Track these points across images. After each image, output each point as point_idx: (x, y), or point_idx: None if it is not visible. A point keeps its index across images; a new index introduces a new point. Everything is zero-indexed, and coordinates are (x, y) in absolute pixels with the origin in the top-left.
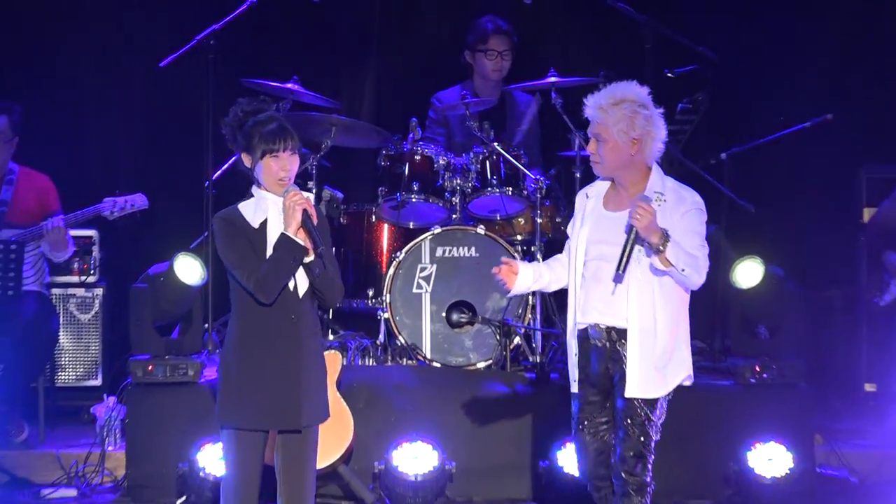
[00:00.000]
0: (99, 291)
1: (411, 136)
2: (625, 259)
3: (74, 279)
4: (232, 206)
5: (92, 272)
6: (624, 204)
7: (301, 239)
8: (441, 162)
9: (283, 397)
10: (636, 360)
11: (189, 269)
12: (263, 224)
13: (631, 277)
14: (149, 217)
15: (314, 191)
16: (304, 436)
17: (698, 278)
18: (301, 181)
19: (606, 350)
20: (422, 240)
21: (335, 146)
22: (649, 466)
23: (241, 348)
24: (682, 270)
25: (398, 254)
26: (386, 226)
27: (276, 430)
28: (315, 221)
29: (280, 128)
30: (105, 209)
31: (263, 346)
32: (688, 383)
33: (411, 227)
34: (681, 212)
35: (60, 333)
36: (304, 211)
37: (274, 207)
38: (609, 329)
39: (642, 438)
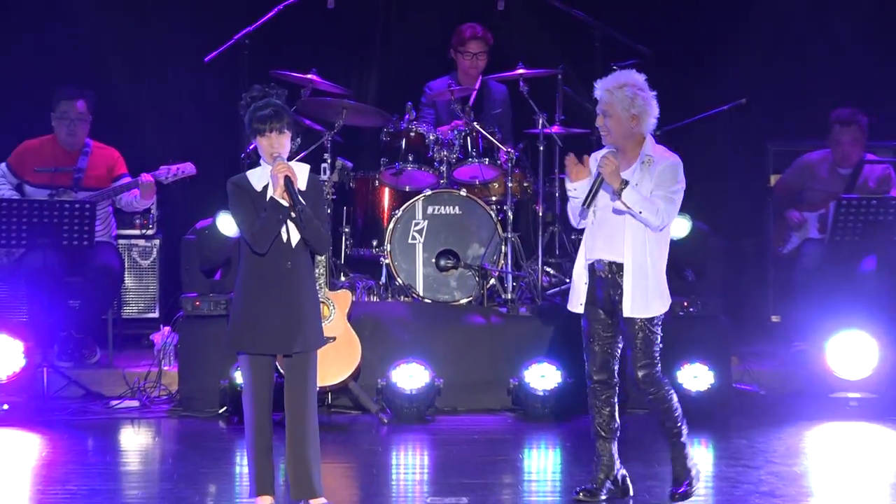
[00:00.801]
0: (156, 242)
1: (407, 116)
2: (590, 196)
3: (136, 232)
4: (242, 173)
5: (151, 226)
6: (625, 166)
7: (285, 200)
8: (431, 137)
9: (279, 328)
10: (630, 287)
11: (227, 224)
12: (265, 188)
13: (626, 223)
14: (196, 182)
15: (328, 161)
16: (302, 359)
17: (655, 220)
18: (317, 154)
19: (609, 280)
20: (416, 200)
21: (346, 125)
22: (657, 373)
23: (246, 288)
24: (640, 213)
25: (397, 211)
26: (387, 189)
27: (274, 354)
28: (296, 186)
29: (269, 112)
30: (161, 175)
31: (263, 287)
32: (665, 309)
33: (407, 190)
34: (659, 169)
35: (125, 276)
36: (287, 177)
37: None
38: (610, 263)
39: (645, 350)
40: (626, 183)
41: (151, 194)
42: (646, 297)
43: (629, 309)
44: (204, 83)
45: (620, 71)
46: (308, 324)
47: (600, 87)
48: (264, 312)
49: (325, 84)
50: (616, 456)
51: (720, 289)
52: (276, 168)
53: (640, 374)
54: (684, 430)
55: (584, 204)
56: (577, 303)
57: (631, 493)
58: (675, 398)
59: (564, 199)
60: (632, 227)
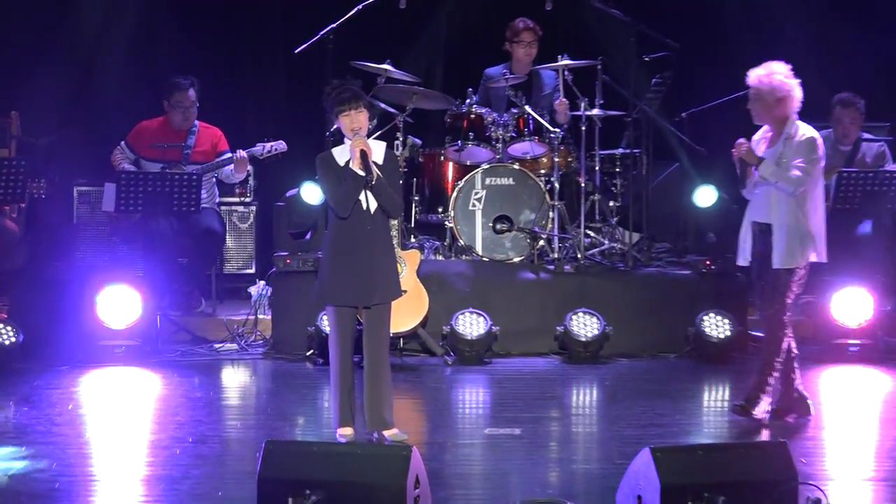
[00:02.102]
0: (253, 208)
1: (468, 100)
2: (739, 173)
3: (236, 200)
4: (329, 150)
5: (248, 195)
6: (772, 142)
7: (361, 171)
8: (489, 119)
9: (360, 282)
10: (777, 243)
11: (311, 193)
12: (347, 163)
13: (771, 190)
14: (287, 157)
15: (401, 139)
16: (379, 310)
17: (789, 186)
18: (391, 133)
19: (762, 237)
20: (475, 172)
21: (416, 108)
22: (785, 316)
23: (332, 249)
24: (776, 182)
25: (459, 182)
26: (451, 163)
27: (356, 305)
28: (370, 158)
29: (349, 94)
30: (257, 151)
31: (347, 248)
32: (814, 258)
33: (468, 164)
34: (796, 144)
35: (227, 237)
36: (362, 151)
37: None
38: (763, 223)
39: (782, 294)
40: (761, 159)
41: (244, 168)
42: (786, 251)
43: (774, 261)
44: (294, 72)
45: (769, 62)
46: (385, 279)
47: (752, 76)
48: (348, 269)
49: (398, 73)
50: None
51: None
52: (354, 143)
53: (767, 312)
54: (774, 372)
55: (740, 182)
56: (742, 258)
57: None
58: (784, 346)
59: (605, 171)
60: (776, 193)
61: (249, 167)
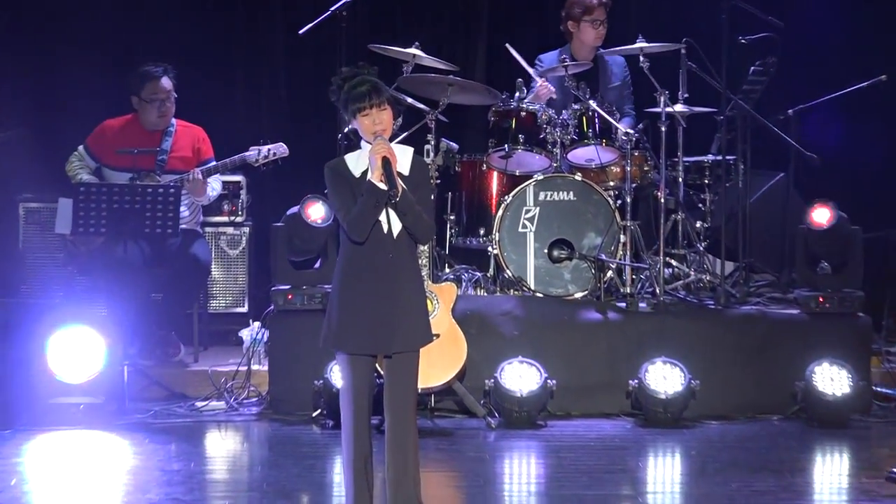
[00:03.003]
0: (246, 230)
1: (517, 94)
2: None
3: (225, 219)
4: (340, 157)
5: (240, 213)
6: None
7: (382, 184)
8: (543, 117)
9: (378, 325)
10: None
11: (318, 211)
12: (364, 174)
13: None
14: (289, 164)
15: (432, 142)
16: (403, 359)
17: None
18: (420, 135)
19: None
20: (526, 185)
21: (451, 104)
22: None
23: (344, 282)
24: None
25: (506, 197)
26: (495, 173)
27: (374, 353)
28: (395, 168)
29: (367, 88)
30: (251, 156)
31: (363, 280)
32: None
33: (517, 174)
34: None
35: (212, 266)
36: (385, 158)
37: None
38: None
39: None
40: None
41: (201, 192)
42: None
43: None
44: (299, 58)
45: None
46: (411, 320)
47: None
48: (364, 308)
49: (429, 59)
50: None
51: (860, 283)
52: (374, 149)
53: None
54: None
55: None
56: None
57: None
58: None
59: (690, 183)
60: None
61: (240, 178)
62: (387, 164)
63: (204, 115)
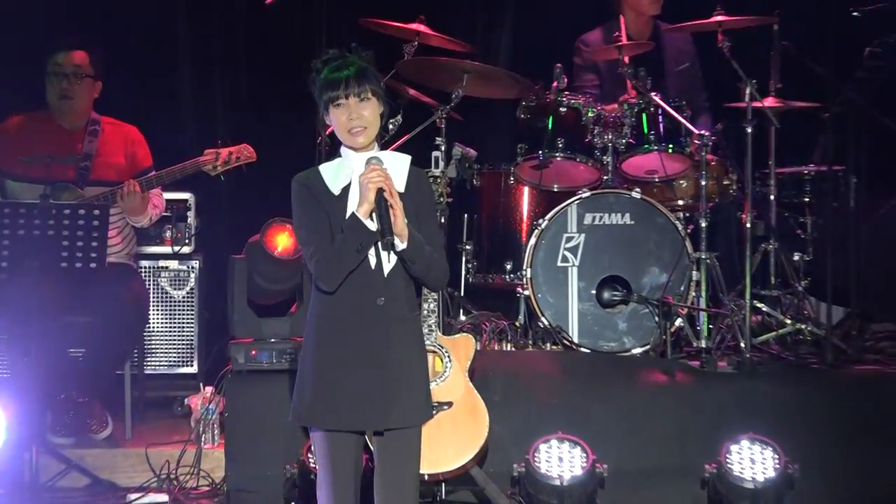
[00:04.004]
0: (194, 264)
1: (556, 84)
2: None
3: (167, 250)
4: (314, 167)
5: (186, 241)
6: None
7: (371, 220)
8: (590, 115)
9: (366, 393)
10: None
11: (282, 239)
12: (346, 189)
13: None
14: (251, 177)
15: (443, 147)
16: (400, 437)
17: None
18: (426, 137)
19: None
20: (568, 205)
21: (467, 96)
22: None
23: (319, 335)
24: None
25: (540, 221)
26: (526, 188)
27: (360, 430)
28: (393, 202)
29: (346, 72)
30: (206, 162)
31: (344, 333)
32: None
33: (555, 189)
34: None
35: (151, 313)
36: (380, 191)
37: (358, 170)
38: None
39: None
40: None
41: (140, 207)
42: None
43: None
44: (265, 37)
45: None
46: (409, 386)
47: None
48: (347, 370)
49: (438, 37)
50: None
51: None
52: (366, 175)
53: None
54: None
55: None
56: None
57: None
58: None
59: (785, 202)
60: None
61: (188, 196)
62: (382, 199)
63: (147, 112)
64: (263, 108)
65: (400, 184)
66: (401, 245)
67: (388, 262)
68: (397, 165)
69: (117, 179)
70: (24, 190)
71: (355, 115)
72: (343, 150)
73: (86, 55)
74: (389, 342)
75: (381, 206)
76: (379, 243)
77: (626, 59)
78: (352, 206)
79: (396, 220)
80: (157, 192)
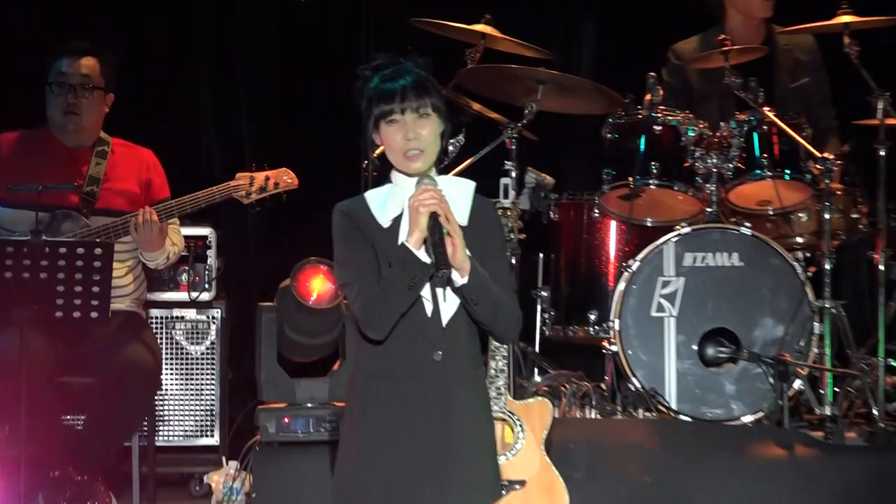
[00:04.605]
0: (216, 313)
1: (649, 97)
2: None
3: (183, 296)
4: (359, 195)
5: (206, 286)
6: None
7: (425, 250)
8: (691, 134)
9: (420, 471)
10: None
11: (318, 283)
12: (397, 221)
13: None
14: (286, 208)
15: (513, 174)
16: None
17: None
18: (494, 161)
19: None
20: (664, 243)
21: (543, 112)
22: None
23: (365, 398)
24: None
25: (631, 262)
26: (613, 223)
27: None
28: (450, 228)
29: (402, 82)
30: (240, 188)
31: (395, 396)
32: None
33: (649, 224)
34: None
35: (164, 372)
36: (433, 215)
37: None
38: None
39: None
40: None
41: (155, 245)
42: None
43: None
44: (300, 41)
45: None
46: (473, 460)
47: None
48: (397, 441)
49: (508, 41)
50: None
51: None
52: (418, 196)
53: None
54: None
55: None
56: None
57: None
58: None
59: None
60: None
61: (207, 231)
62: (436, 224)
63: (149, 128)
64: (297, 125)
65: (462, 215)
66: (460, 280)
67: (447, 307)
68: (459, 193)
69: (129, 209)
70: (15, 220)
71: (412, 135)
72: (394, 175)
73: (96, 63)
74: (450, 406)
75: (435, 234)
76: (433, 279)
77: (730, 65)
78: (403, 238)
79: (455, 250)
80: (174, 227)
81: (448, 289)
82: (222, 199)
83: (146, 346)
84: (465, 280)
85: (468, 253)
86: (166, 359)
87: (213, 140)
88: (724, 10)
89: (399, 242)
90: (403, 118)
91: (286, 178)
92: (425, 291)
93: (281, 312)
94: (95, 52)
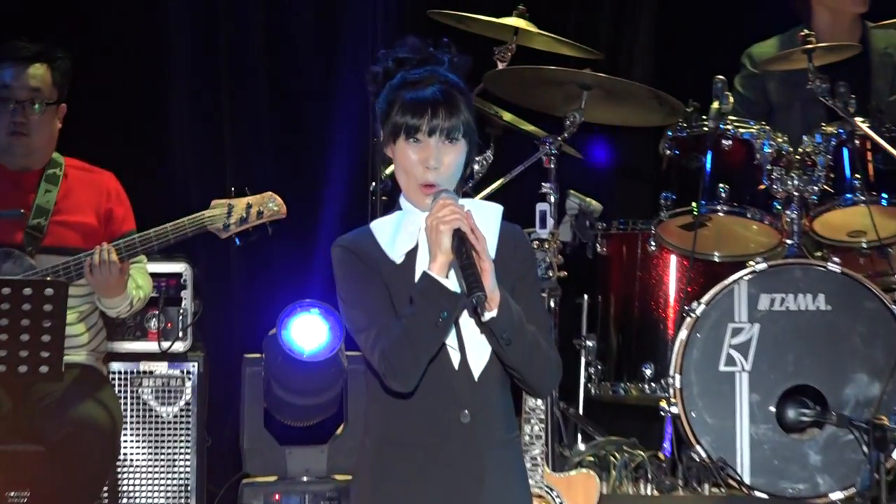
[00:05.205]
0: (192, 368)
1: (717, 105)
2: None
3: (151, 347)
4: (363, 227)
5: (180, 334)
6: None
7: (447, 276)
8: (767, 150)
9: None
10: None
11: (310, 331)
12: (412, 255)
13: None
14: (273, 239)
15: (552, 198)
16: None
17: None
18: (528, 182)
19: None
20: (735, 282)
21: (588, 123)
22: None
23: (378, 469)
24: None
25: (694, 305)
26: (673, 257)
27: None
28: (477, 246)
29: (433, 91)
30: (215, 219)
31: (412, 468)
32: None
33: (716, 259)
34: None
35: (129, 439)
36: (457, 233)
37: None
38: None
39: None
40: None
41: (115, 289)
42: None
43: None
44: (290, 36)
45: None
46: None
47: None
48: None
49: (546, 37)
50: None
51: None
52: (436, 213)
53: None
54: None
55: None
56: None
57: None
58: None
59: None
60: None
61: (182, 268)
62: (461, 243)
63: (107, 148)
64: (287, 139)
65: (489, 244)
66: (488, 314)
67: (478, 356)
68: (484, 220)
69: (83, 246)
70: None
71: (434, 163)
72: (405, 200)
73: (47, 71)
74: (479, 478)
75: (462, 254)
76: (473, 307)
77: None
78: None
79: (484, 271)
80: (139, 265)
81: (470, 332)
82: (195, 232)
83: (103, 407)
84: (493, 313)
85: (496, 283)
86: (132, 422)
87: (188, 161)
88: (809, 7)
89: (423, 272)
90: (428, 140)
91: (272, 205)
92: (451, 339)
93: (269, 366)
94: (46, 58)
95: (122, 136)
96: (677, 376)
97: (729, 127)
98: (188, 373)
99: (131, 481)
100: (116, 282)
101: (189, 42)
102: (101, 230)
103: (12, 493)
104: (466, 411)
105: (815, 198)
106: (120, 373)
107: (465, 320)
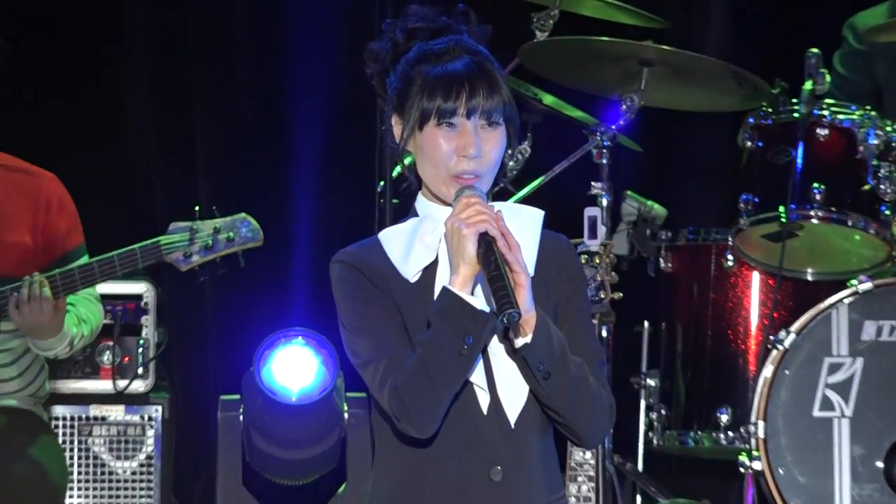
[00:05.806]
0: (154, 412)
1: (810, 85)
2: None
3: (105, 387)
4: (371, 238)
5: (141, 372)
6: None
7: (480, 296)
8: (873, 141)
9: None
10: None
11: (298, 367)
12: (430, 272)
13: None
14: (256, 254)
15: (605, 201)
16: None
17: None
18: (574, 179)
19: None
20: (833, 306)
21: (648, 107)
22: None
23: None
24: None
25: (782, 335)
26: (756, 275)
27: None
28: (510, 257)
29: (464, 64)
30: (173, 248)
31: None
32: None
33: (809, 277)
34: None
35: (79, 499)
36: (485, 237)
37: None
38: None
39: None
40: None
41: (47, 331)
42: None
43: None
44: (268, 10)
45: None
46: None
47: None
48: None
49: (599, 4)
50: None
51: None
52: (459, 214)
53: None
54: None
55: None
56: None
57: None
58: None
59: None
60: None
61: (144, 288)
62: (489, 250)
63: (50, 145)
64: (275, 141)
65: (527, 258)
66: (521, 339)
67: (513, 397)
68: (521, 227)
69: (13, 274)
70: None
71: (473, 150)
72: (423, 203)
73: None
74: None
75: (490, 263)
76: (497, 334)
77: None
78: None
79: (518, 285)
80: (88, 292)
81: (511, 370)
82: (148, 262)
83: (41, 463)
84: (528, 339)
85: (531, 306)
86: (81, 480)
87: (153, 164)
88: None
89: (443, 287)
90: (465, 124)
91: (244, 230)
92: (478, 375)
93: (248, 410)
94: None
95: (71, 129)
96: (761, 423)
97: (825, 113)
98: (150, 419)
99: None
100: (49, 322)
101: (152, 18)
102: (39, 248)
103: None
104: (499, 467)
105: None
106: (65, 419)
107: (497, 349)
